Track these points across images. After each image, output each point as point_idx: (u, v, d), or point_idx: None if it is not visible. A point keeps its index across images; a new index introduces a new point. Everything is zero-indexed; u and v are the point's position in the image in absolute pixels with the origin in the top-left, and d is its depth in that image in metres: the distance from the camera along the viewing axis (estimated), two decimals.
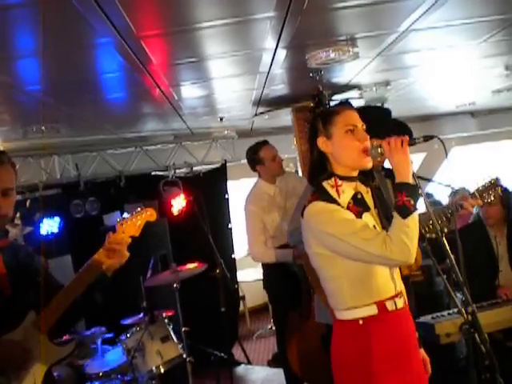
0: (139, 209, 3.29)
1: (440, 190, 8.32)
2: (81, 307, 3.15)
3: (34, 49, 3.47)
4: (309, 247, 2.94)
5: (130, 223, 3.21)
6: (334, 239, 2.77)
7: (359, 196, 2.92)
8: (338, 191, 2.87)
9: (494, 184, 3.77)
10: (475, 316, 2.74)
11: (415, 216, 2.70)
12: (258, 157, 5.80)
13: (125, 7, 2.88)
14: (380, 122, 3.59)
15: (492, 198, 3.79)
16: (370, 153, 2.82)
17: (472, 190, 3.80)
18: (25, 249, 3.29)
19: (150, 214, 3.31)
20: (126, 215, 3.28)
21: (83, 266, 3.10)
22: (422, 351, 3.12)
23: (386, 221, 2.86)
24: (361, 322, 2.83)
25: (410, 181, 2.73)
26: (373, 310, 2.83)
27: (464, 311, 2.77)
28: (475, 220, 5.68)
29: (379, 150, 2.80)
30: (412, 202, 2.69)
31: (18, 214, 6.95)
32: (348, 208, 2.83)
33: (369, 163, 2.86)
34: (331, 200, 2.82)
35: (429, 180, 4.21)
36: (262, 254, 5.72)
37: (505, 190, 4.84)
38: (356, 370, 2.85)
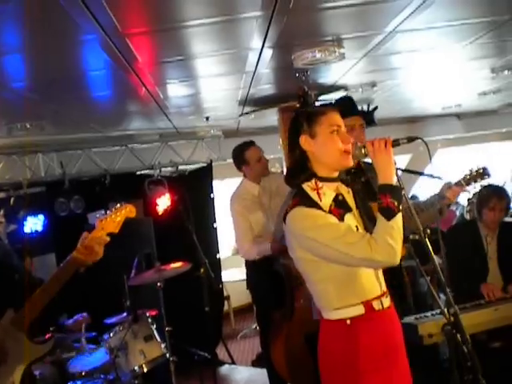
0: (118, 205, 3.29)
1: (425, 190, 8.34)
2: (57, 304, 3.14)
3: (19, 45, 3.45)
4: (293, 251, 2.94)
5: (109, 220, 3.21)
6: (318, 245, 2.76)
7: (340, 197, 2.91)
8: (318, 194, 2.86)
9: (482, 173, 3.80)
10: (457, 317, 2.76)
11: (399, 217, 2.71)
12: (244, 157, 5.79)
13: (110, 4, 2.86)
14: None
15: (476, 186, 3.85)
16: (354, 153, 2.82)
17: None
18: (2, 247, 3.27)
19: (129, 210, 3.31)
20: (102, 212, 3.28)
21: (61, 264, 3.10)
22: None
23: (368, 221, 2.86)
24: (348, 321, 2.84)
25: (394, 182, 2.73)
26: (360, 310, 2.84)
27: (446, 312, 2.78)
28: (465, 219, 5.70)
29: (363, 150, 2.80)
30: (396, 204, 2.70)
31: (1, 212, 6.90)
32: (330, 211, 2.82)
33: (351, 162, 2.86)
34: (313, 204, 2.81)
35: (419, 173, 4.22)
36: (251, 251, 5.71)
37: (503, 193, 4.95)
38: (343, 369, 2.86)
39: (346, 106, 3.92)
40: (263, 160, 5.85)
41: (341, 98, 4.44)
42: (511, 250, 5.13)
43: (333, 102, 4.71)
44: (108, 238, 3.18)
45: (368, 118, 4.05)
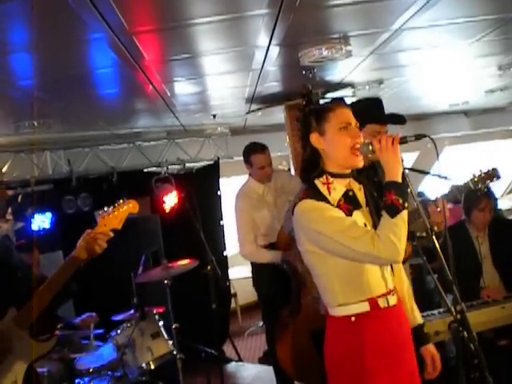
0: (121, 201, 3.27)
1: (432, 188, 8.32)
2: (57, 297, 3.13)
3: (27, 44, 3.47)
4: (300, 244, 2.94)
5: (112, 216, 3.20)
6: (323, 237, 2.77)
7: (351, 193, 2.91)
8: (328, 188, 2.86)
9: (492, 175, 3.72)
10: (464, 314, 2.75)
11: (404, 215, 2.69)
12: (249, 159, 5.73)
13: (117, 3, 2.87)
14: (369, 111, 3.55)
15: (484, 188, 3.76)
16: (361, 150, 2.81)
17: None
18: (2, 244, 3.27)
19: (132, 206, 3.29)
20: (105, 209, 3.27)
21: (64, 261, 3.10)
22: (432, 347, 3.18)
23: (377, 219, 2.85)
24: (353, 318, 2.83)
25: (399, 180, 2.73)
26: (365, 307, 2.84)
27: (453, 310, 2.78)
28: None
29: (370, 147, 2.79)
30: (401, 201, 2.68)
31: (9, 210, 6.92)
32: (338, 206, 2.82)
33: (360, 163, 2.85)
34: (321, 198, 2.82)
35: (426, 172, 4.15)
36: (252, 254, 5.71)
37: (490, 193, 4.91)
38: (349, 366, 2.86)
39: (376, 113, 3.73)
40: (266, 169, 5.73)
41: (370, 101, 4.08)
42: (505, 247, 5.10)
43: (361, 101, 4.56)
44: (112, 234, 3.17)
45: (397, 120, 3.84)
